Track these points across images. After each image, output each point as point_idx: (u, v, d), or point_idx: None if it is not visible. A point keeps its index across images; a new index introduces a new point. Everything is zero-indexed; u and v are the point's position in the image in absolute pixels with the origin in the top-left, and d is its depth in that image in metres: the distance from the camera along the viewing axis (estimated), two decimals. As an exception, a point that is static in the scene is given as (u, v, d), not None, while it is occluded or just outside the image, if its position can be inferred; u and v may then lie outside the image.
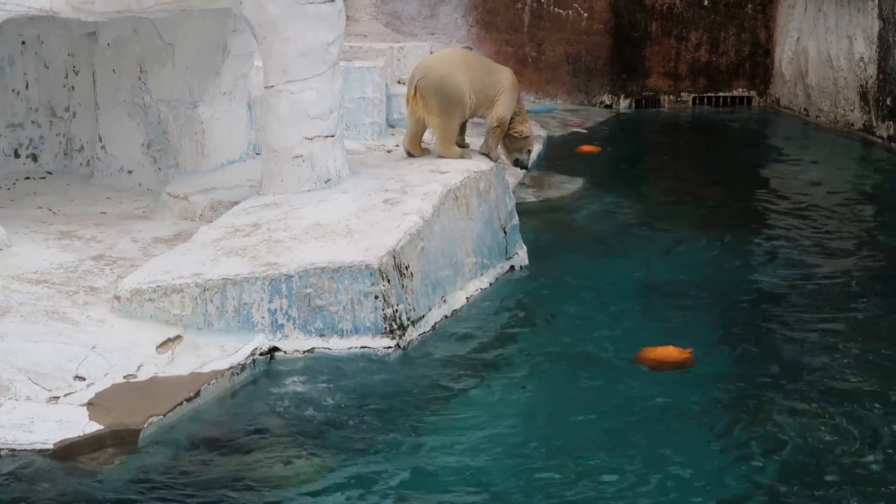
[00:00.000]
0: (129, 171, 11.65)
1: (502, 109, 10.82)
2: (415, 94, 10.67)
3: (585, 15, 18.76)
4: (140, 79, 11.39)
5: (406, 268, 9.01)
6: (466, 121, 10.91)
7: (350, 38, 13.46)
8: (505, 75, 10.90)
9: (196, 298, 8.56)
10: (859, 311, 9.88)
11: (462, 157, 10.79)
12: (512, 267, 10.63)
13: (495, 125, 10.85)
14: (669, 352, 8.74)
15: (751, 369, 8.60)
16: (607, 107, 18.82)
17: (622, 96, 18.94)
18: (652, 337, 9.05)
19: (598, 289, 10.21)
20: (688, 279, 10.64)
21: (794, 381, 8.39)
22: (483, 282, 10.11)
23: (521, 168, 11.59)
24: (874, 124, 16.53)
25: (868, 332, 9.40)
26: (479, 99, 10.71)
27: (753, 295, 10.30)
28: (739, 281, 10.65)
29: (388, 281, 8.77)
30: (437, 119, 10.65)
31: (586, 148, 16.24)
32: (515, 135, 11.06)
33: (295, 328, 8.65)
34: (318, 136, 10.24)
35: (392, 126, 14.18)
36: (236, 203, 10.25)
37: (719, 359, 8.82)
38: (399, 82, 14.81)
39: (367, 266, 8.71)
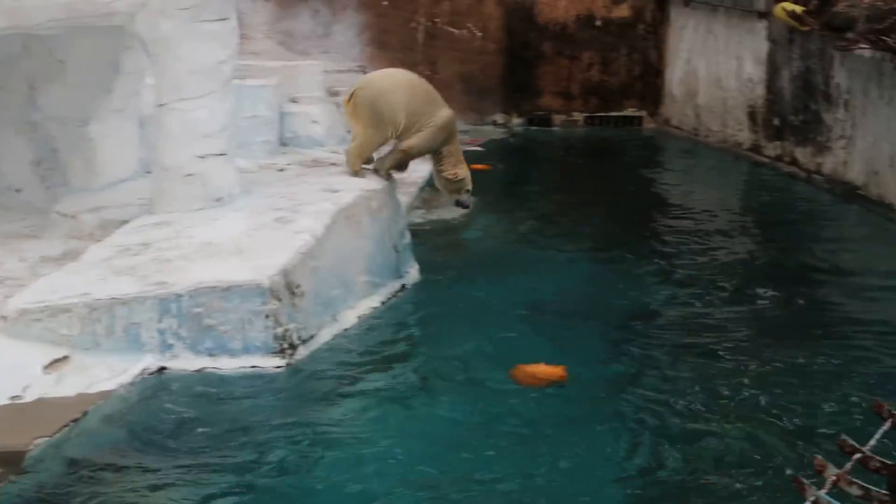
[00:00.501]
0: (18, 190, 11.56)
1: (418, 141, 10.90)
2: (349, 99, 10.76)
3: (479, 34, 18.96)
4: (30, 96, 11.32)
5: (297, 287, 9.08)
6: (387, 141, 10.98)
7: (243, 56, 13.46)
8: (442, 113, 10.99)
9: (84, 318, 8.55)
10: (740, 332, 10.16)
11: (355, 175, 10.89)
12: (404, 286, 10.73)
13: (401, 150, 10.93)
14: (542, 368, 8.93)
15: (625, 385, 8.82)
16: (500, 126, 19.02)
17: (515, 115, 19.17)
18: (532, 354, 9.25)
19: (485, 307, 10.37)
20: (574, 298, 10.85)
21: (669, 396, 8.65)
22: (374, 300, 10.20)
23: (463, 208, 11.67)
24: (762, 144, 16.92)
25: (746, 350, 9.69)
26: (409, 124, 10.81)
27: (636, 313, 10.53)
28: (624, 299, 10.88)
29: (279, 300, 8.83)
30: (362, 130, 10.75)
31: (477, 167, 16.39)
32: (450, 177, 11.18)
33: (184, 348, 8.67)
34: (210, 155, 10.27)
35: (284, 144, 14.22)
36: (126, 222, 10.23)
37: (595, 375, 9.03)
38: (292, 101, 14.86)
39: (257, 285, 8.76)
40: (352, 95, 10.80)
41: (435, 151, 11.07)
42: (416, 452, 7.65)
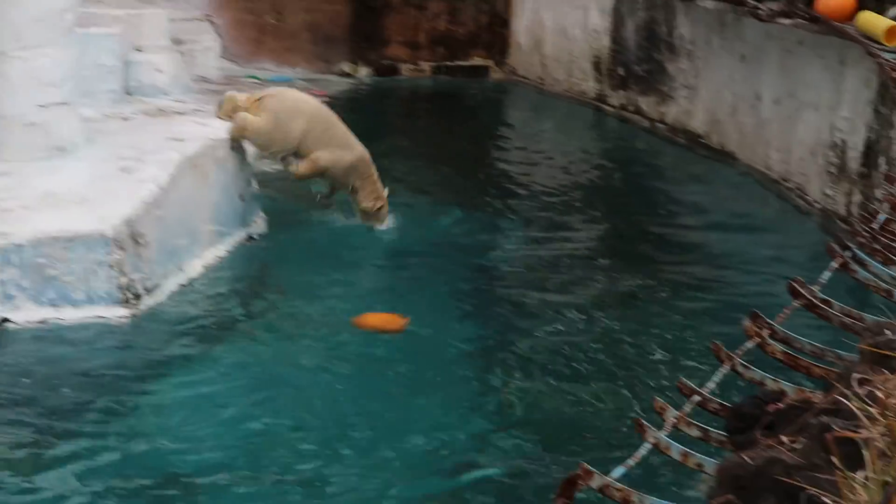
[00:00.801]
0: None
1: (322, 157, 10.87)
2: (257, 100, 10.68)
3: (326, -18, 18.79)
4: None
5: (141, 237, 8.96)
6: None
7: (86, 3, 13.13)
8: (349, 155, 10.93)
9: (-78, 270, 8.32)
10: (585, 280, 10.36)
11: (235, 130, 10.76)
12: (251, 236, 10.66)
13: (310, 160, 10.88)
14: (383, 317, 9.02)
15: (468, 332, 8.96)
16: (347, 75, 18.92)
17: (362, 65, 19.08)
18: (376, 302, 9.37)
19: (331, 256, 10.41)
20: (420, 247, 10.94)
21: (510, 344, 8.81)
22: (220, 250, 10.13)
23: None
24: (607, 93, 17.14)
25: (592, 298, 9.89)
26: (302, 151, 10.79)
27: (483, 263, 10.66)
28: (470, 249, 11.01)
29: (123, 250, 8.71)
30: (255, 125, 10.62)
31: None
32: (367, 209, 11.13)
33: (27, 299, 8.52)
34: (52, 104, 10.05)
35: (129, 94, 13.95)
36: (-36, 172, 9.95)
37: (437, 323, 9.16)
38: (137, 49, 14.57)
39: (101, 235, 8.63)
40: (259, 98, 10.74)
41: (349, 186, 11.10)
42: (258, 399, 7.69)
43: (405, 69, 19.23)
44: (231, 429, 7.30)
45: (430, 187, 12.95)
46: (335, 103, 17.05)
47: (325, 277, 9.88)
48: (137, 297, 8.80)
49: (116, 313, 8.63)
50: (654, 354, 8.70)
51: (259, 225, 10.90)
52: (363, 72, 19.06)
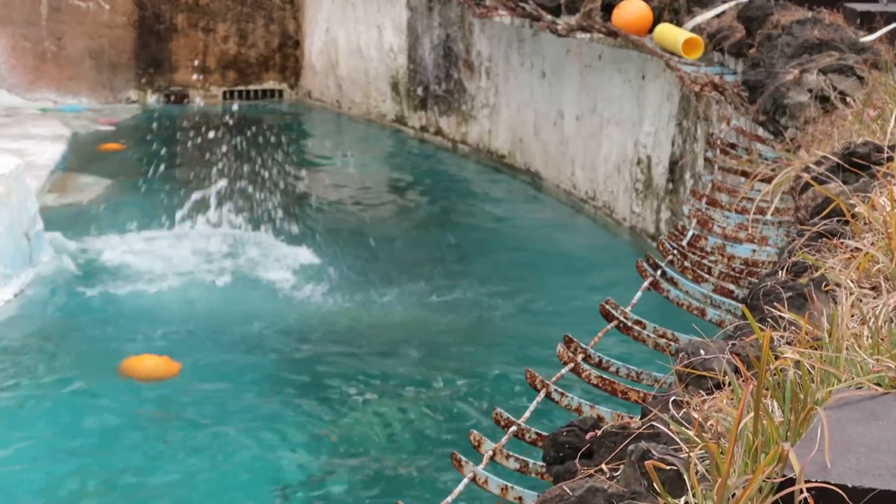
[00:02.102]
0: None
1: None
2: None
3: (107, 7, 18.51)
4: None
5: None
6: None
7: None
8: None
9: None
10: (394, 310, 10.39)
11: None
12: (37, 275, 10.39)
13: None
14: (156, 362, 8.87)
15: (253, 373, 8.89)
16: (134, 103, 18.64)
17: (149, 92, 18.83)
18: (151, 345, 9.20)
19: (117, 299, 10.18)
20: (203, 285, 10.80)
21: (304, 383, 8.81)
22: (6, 293, 9.84)
23: None
24: (406, 115, 17.23)
25: (400, 331, 9.91)
26: None
27: (273, 298, 10.59)
28: (260, 285, 10.91)
29: None
30: None
31: (110, 146, 16.09)
32: None
33: None
34: None
35: None
36: None
37: (216, 365, 9.06)
38: None
39: None
40: None
41: None
42: (21, 452, 7.47)
43: (196, 95, 19.03)
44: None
45: (228, 213, 12.81)
46: (122, 132, 16.82)
47: (109, 319, 9.69)
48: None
49: None
50: (469, 385, 8.75)
51: (46, 263, 10.63)
52: (152, 99, 18.80)
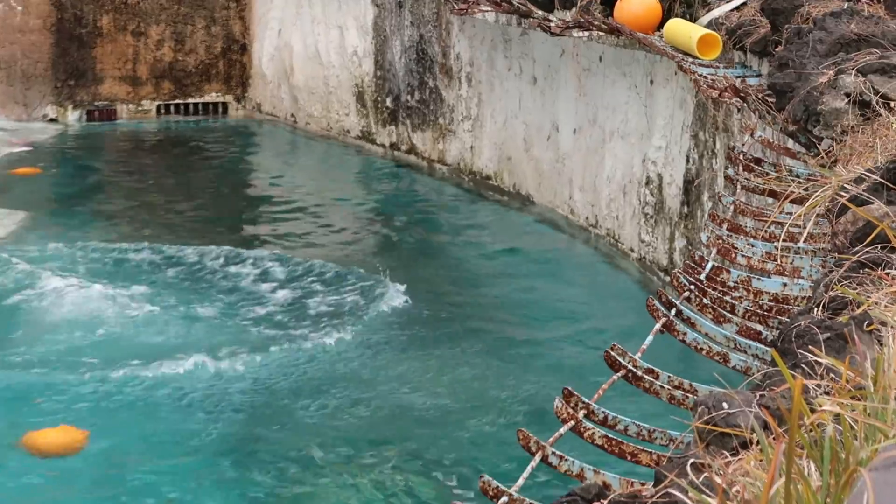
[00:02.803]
0: None
1: None
2: None
3: (20, 8, 18.52)
4: None
5: None
6: None
7: None
8: None
9: None
10: (378, 352, 10.36)
11: None
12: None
13: None
14: (59, 434, 8.86)
15: (165, 447, 8.90)
16: (52, 121, 18.62)
17: (70, 108, 18.82)
18: (54, 414, 9.17)
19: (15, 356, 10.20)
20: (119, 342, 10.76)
21: (233, 452, 8.80)
22: None
23: None
24: (374, 130, 17.25)
25: (381, 371, 9.89)
26: None
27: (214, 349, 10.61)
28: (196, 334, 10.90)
29: None
30: None
31: (25, 170, 16.06)
32: None
33: None
34: None
35: None
36: None
37: (122, 437, 9.03)
38: None
39: None
40: None
41: None
42: None
43: (125, 111, 19.03)
44: None
45: (163, 258, 12.78)
46: (37, 155, 16.79)
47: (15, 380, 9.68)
48: None
49: None
50: (452, 449, 8.72)
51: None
52: (72, 116, 18.78)
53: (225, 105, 19.40)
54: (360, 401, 9.54)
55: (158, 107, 19.14)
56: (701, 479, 3.07)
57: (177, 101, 19.25)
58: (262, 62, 19.09)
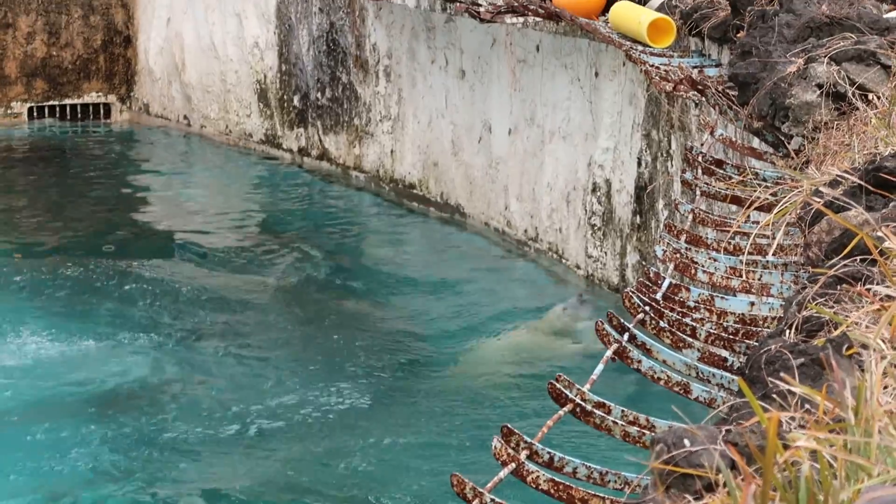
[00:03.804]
0: None
1: None
2: None
3: None
4: None
5: None
6: None
7: None
8: None
9: None
10: (273, 389, 10.39)
11: None
12: None
13: None
14: None
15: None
16: None
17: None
18: None
19: None
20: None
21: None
22: None
23: None
24: (280, 133, 17.23)
25: (286, 417, 9.92)
26: None
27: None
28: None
29: None
30: None
31: None
32: None
33: None
34: None
35: None
36: None
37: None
38: None
39: None
40: None
41: None
42: None
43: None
44: None
45: (40, 285, 12.74)
46: None
47: None
48: None
49: None
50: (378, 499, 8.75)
51: None
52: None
53: (108, 106, 19.29)
54: (272, 447, 9.53)
55: (30, 109, 19.00)
56: (661, 528, 3.09)
57: (52, 102, 19.13)
58: (148, 56, 19.03)
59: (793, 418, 3.39)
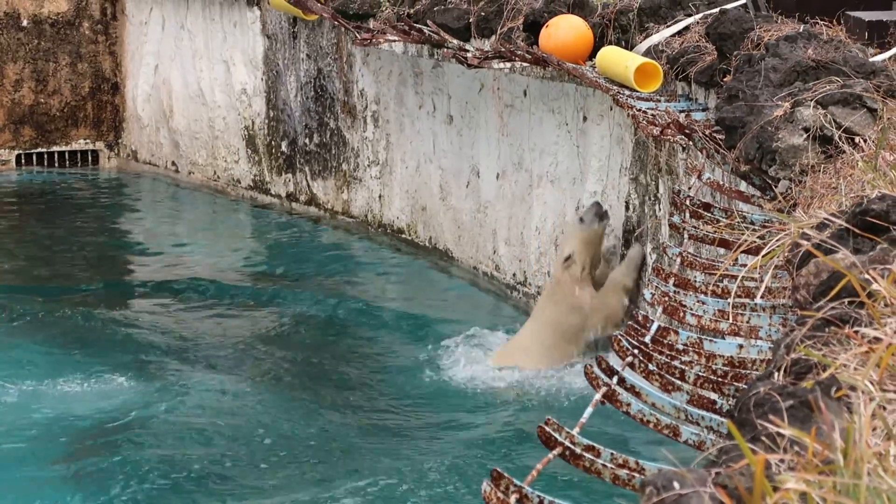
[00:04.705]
0: None
1: None
2: None
3: None
4: None
5: None
6: None
7: None
8: None
9: None
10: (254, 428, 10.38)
11: None
12: None
13: None
14: None
15: None
16: None
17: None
18: None
19: None
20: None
21: None
22: None
23: None
24: (268, 179, 17.23)
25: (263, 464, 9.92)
26: None
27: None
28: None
29: None
30: None
31: None
32: None
33: None
34: None
35: None
36: None
37: None
38: None
39: None
40: None
41: None
42: None
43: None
44: None
45: (27, 345, 12.71)
46: None
47: None
48: None
49: None
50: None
51: None
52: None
53: (95, 153, 19.27)
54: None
55: (18, 157, 18.99)
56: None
57: (40, 149, 19.11)
58: (136, 103, 19.03)
59: (782, 460, 3.39)
